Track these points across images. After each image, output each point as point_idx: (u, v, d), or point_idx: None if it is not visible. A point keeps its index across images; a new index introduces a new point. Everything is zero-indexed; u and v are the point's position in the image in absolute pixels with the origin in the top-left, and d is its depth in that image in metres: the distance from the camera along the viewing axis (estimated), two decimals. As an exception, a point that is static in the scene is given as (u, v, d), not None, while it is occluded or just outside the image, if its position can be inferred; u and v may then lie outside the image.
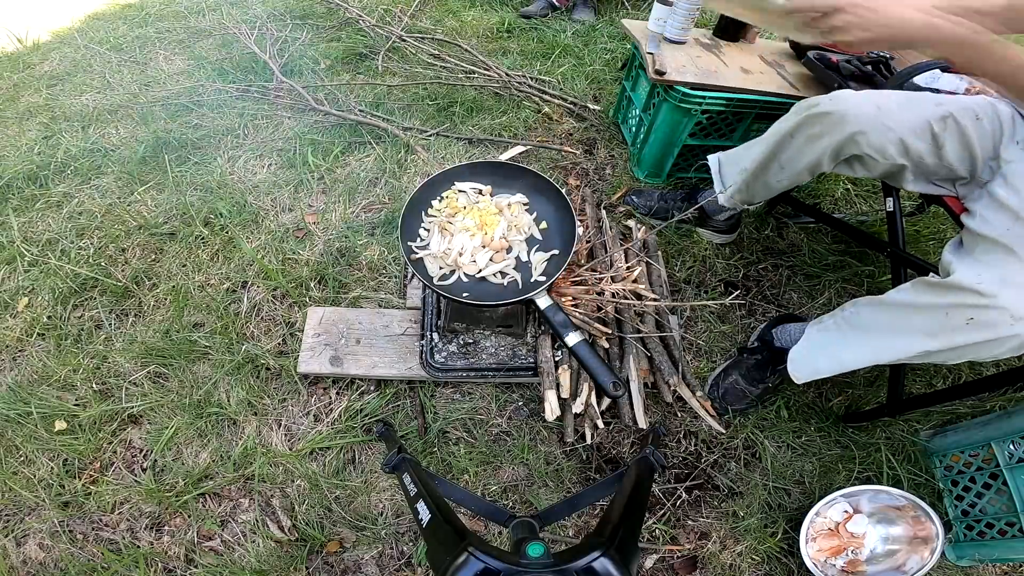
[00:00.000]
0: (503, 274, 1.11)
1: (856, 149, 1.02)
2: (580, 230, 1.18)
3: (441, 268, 1.11)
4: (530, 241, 1.17)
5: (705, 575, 1.07)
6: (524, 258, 1.14)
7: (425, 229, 1.17)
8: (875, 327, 0.95)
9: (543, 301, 1.00)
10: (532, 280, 1.10)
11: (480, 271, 1.11)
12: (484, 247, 1.12)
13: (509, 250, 1.14)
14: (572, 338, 0.95)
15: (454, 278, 1.10)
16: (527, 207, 1.20)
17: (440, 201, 1.20)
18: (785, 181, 1.19)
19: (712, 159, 1.39)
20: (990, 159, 0.99)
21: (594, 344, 1.22)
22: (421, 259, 1.12)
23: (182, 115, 1.92)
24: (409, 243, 1.13)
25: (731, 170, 1.33)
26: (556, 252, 1.14)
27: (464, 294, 1.07)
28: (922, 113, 0.99)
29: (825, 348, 1.05)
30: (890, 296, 0.94)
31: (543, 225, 1.18)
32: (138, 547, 1.03)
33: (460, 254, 1.10)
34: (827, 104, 1.03)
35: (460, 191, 1.20)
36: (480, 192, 1.20)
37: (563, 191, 1.15)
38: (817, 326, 1.09)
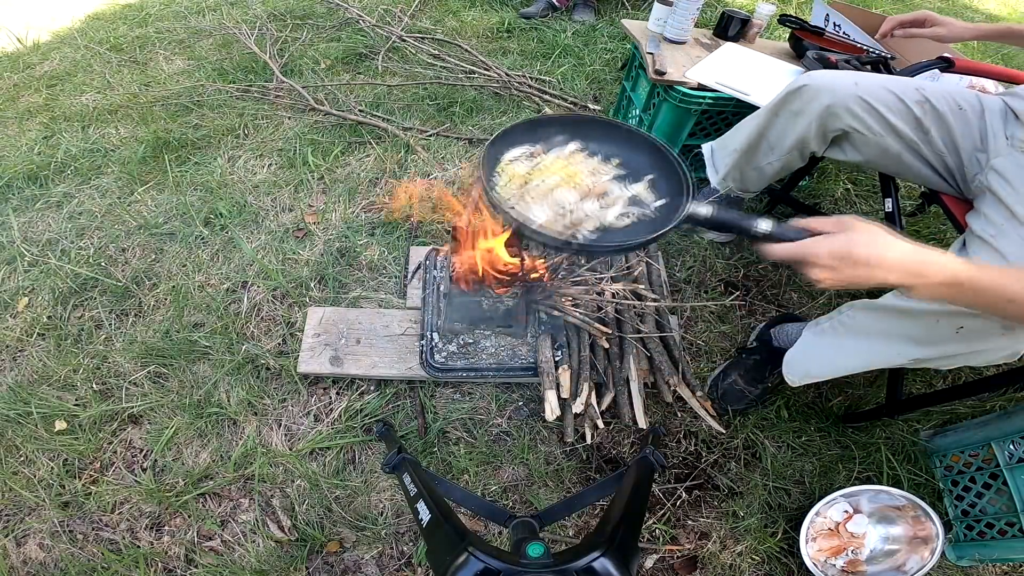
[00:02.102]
0: (625, 215, 0.96)
1: (839, 123, 1.03)
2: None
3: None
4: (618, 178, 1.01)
5: (705, 575, 1.07)
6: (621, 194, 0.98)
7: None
8: (869, 332, 0.95)
9: (703, 209, 0.83)
10: (654, 207, 0.96)
11: (604, 221, 0.95)
12: (583, 198, 0.97)
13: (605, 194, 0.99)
14: (765, 223, 0.75)
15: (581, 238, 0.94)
16: (584, 150, 1.05)
17: (502, 180, 1.01)
18: (776, 163, 1.19)
19: (705, 147, 1.41)
20: (977, 151, 0.99)
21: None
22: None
23: (182, 115, 1.92)
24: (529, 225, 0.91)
25: (722, 154, 1.34)
26: (652, 176, 1.00)
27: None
28: (900, 93, 1.01)
29: (819, 352, 1.05)
30: (885, 300, 0.93)
31: (615, 161, 1.03)
32: (138, 547, 1.03)
33: (571, 211, 0.95)
34: (805, 79, 1.05)
35: (513, 160, 1.03)
36: (532, 155, 1.04)
37: (607, 116, 1.01)
38: (814, 329, 1.08)
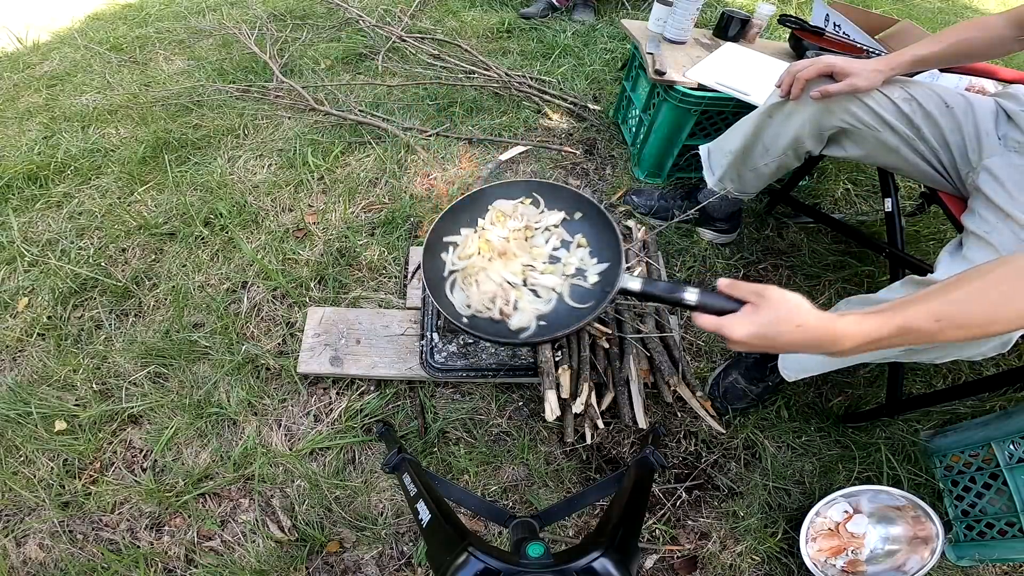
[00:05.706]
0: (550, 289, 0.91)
1: (833, 120, 1.04)
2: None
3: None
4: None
5: (705, 575, 1.07)
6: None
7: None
8: None
9: (633, 283, 0.79)
10: (593, 274, 0.92)
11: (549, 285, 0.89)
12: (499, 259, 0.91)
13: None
14: (691, 294, 0.75)
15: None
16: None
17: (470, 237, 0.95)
18: (772, 164, 1.20)
19: (702, 149, 1.41)
20: (968, 150, 0.99)
21: (594, 345, 1.22)
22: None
23: (182, 115, 1.92)
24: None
25: (718, 155, 1.35)
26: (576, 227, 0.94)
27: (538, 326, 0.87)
28: (886, 91, 1.02)
29: None
30: (879, 295, 0.94)
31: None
32: (138, 547, 1.03)
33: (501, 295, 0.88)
34: None
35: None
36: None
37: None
38: None
